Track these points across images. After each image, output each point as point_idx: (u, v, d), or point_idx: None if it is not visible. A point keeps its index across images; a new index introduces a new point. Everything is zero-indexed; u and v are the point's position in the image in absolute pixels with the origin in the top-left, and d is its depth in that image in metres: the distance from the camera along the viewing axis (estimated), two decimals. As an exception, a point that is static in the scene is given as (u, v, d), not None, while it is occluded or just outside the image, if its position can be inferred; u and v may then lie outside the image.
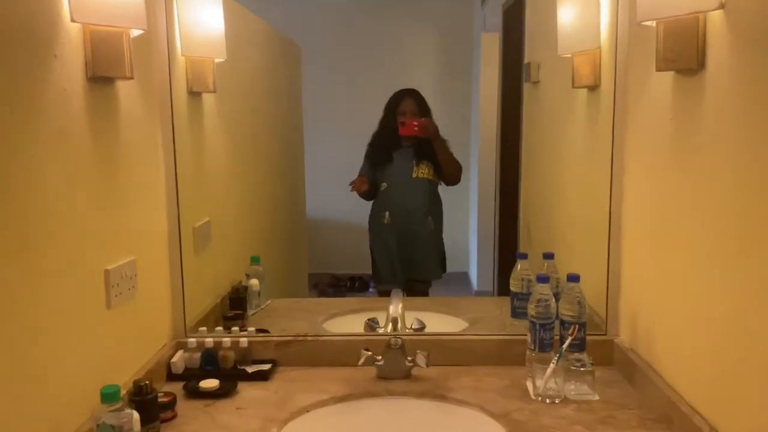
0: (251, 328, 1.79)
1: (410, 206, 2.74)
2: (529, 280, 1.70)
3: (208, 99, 1.93)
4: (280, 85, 3.18)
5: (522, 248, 2.91)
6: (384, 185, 2.74)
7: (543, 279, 1.53)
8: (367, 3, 5.34)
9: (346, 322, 2.02)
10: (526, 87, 2.79)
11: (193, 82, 1.79)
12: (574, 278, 1.60)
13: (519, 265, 1.71)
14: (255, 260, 2.13)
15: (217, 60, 1.86)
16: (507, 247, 3.57)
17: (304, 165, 3.72)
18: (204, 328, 1.75)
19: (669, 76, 1.36)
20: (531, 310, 1.51)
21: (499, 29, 4.68)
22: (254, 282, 2.08)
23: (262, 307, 2.11)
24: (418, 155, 2.76)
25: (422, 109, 2.74)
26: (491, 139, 5.00)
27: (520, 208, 3.05)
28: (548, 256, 1.70)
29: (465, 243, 5.80)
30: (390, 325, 1.72)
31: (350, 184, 2.65)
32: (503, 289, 4.39)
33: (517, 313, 1.71)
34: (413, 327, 1.72)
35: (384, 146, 2.78)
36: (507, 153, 3.50)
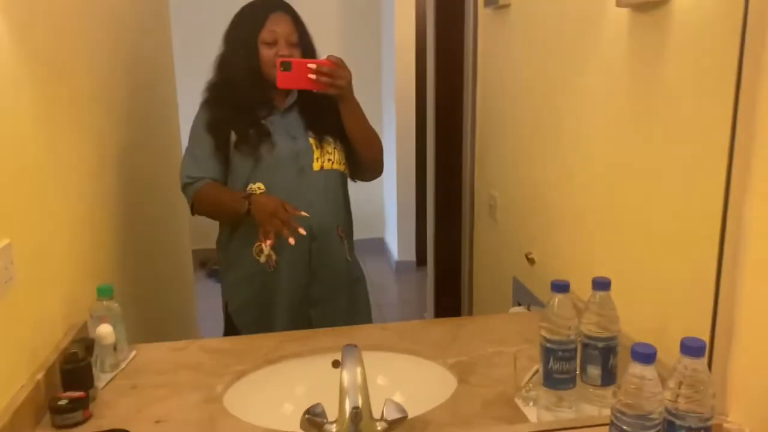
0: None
1: (320, 228, 1.67)
2: (576, 328, 1.03)
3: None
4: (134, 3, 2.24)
5: (479, 233, 2.27)
6: (259, 189, 1.64)
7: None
8: None
9: (264, 387, 1.28)
10: (486, 15, 2.07)
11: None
12: (604, 285, 1.03)
13: (557, 301, 1.03)
14: (104, 292, 1.31)
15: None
16: (440, 213, 2.98)
17: (178, 108, 2.86)
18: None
19: None
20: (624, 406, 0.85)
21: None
22: (105, 331, 1.27)
23: (122, 367, 1.31)
24: (313, 122, 1.69)
25: (304, 40, 1.67)
26: (408, 83, 4.31)
27: (467, 173, 2.39)
28: (602, 285, 1.03)
29: (380, 206, 5.17)
30: (347, 419, 0.99)
31: (263, 243, 1.53)
32: (423, 258, 3.91)
33: (555, 379, 1.04)
34: (386, 418, 1.01)
35: (244, 108, 1.65)
36: (443, 102, 2.84)
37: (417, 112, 4.15)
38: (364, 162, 1.74)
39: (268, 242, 1.49)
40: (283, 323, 1.66)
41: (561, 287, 1.03)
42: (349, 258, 1.78)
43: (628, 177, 1.23)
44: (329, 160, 1.69)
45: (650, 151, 1.15)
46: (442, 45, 2.75)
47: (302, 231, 1.49)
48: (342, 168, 1.72)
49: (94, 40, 1.67)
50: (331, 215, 1.70)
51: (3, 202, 1.07)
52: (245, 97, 1.64)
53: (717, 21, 0.98)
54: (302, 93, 1.68)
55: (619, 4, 1.18)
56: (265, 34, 1.61)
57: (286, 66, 1.54)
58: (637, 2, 1.14)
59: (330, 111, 1.65)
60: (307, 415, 0.99)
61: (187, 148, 1.68)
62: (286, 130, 1.66)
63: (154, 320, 2.17)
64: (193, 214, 1.69)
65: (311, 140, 1.67)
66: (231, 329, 1.75)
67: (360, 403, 0.98)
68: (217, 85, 1.68)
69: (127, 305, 1.78)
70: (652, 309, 1.16)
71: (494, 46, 2.04)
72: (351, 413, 0.97)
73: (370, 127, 1.72)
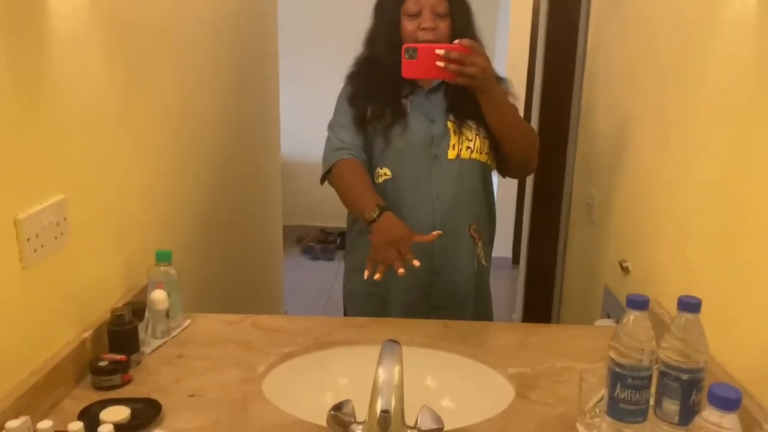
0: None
1: (449, 222, 1.52)
2: (651, 353, 0.87)
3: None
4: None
5: (574, 235, 2.07)
6: (385, 174, 1.55)
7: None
8: None
9: (308, 373, 1.21)
10: (600, -6, 1.88)
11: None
12: (692, 306, 0.86)
13: (632, 319, 0.87)
14: (162, 257, 1.30)
15: None
16: (537, 210, 2.78)
17: (279, 95, 2.87)
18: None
19: None
20: None
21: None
22: (158, 297, 1.25)
23: (174, 335, 1.29)
24: (456, 104, 1.51)
25: (457, 9, 1.49)
26: (520, 72, 4.10)
27: (569, 169, 2.20)
28: (689, 306, 0.86)
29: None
30: (374, 423, 0.89)
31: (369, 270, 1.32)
32: (519, 256, 3.70)
33: (622, 410, 0.89)
34: (419, 427, 0.90)
35: (385, 85, 1.51)
36: (549, 92, 2.64)
37: (525, 101, 3.94)
38: (510, 157, 1.54)
39: (366, 272, 1.31)
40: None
41: (638, 303, 0.87)
42: (484, 263, 1.62)
43: (752, 182, 1.03)
44: (468, 148, 1.51)
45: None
46: (554, 32, 2.56)
47: (417, 263, 1.28)
48: (484, 159, 1.54)
49: (194, 10, 1.67)
50: (462, 211, 1.53)
51: (61, 154, 1.07)
52: (387, 74, 1.49)
53: None
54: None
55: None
56: (408, 4, 1.47)
57: (411, 53, 1.37)
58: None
59: (469, 93, 1.45)
60: (332, 412, 0.91)
61: (332, 120, 1.58)
62: (425, 112, 1.52)
63: (233, 290, 2.18)
64: (322, 182, 1.57)
65: (450, 124, 1.51)
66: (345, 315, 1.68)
67: (392, 406, 0.88)
68: (362, 61, 1.58)
69: (205, 272, 1.80)
70: (756, 342, 0.97)
71: (605, 32, 1.84)
72: (380, 417, 0.87)
73: (519, 120, 1.52)
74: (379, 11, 1.54)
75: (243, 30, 2.27)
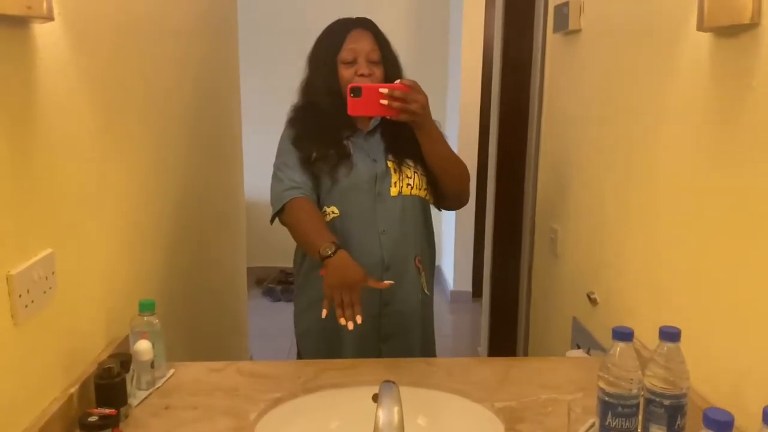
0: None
1: (394, 257, 1.59)
2: (639, 381, 0.92)
3: (45, 34, 1.06)
4: (205, 19, 2.28)
5: (538, 268, 2.15)
6: (333, 213, 1.59)
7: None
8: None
9: (298, 418, 1.22)
10: (555, 40, 1.99)
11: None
12: (672, 335, 0.92)
13: (619, 350, 0.92)
14: (146, 307, 1.29)
15: (55, -43, 0.99)
16: (498, 243, 2.86)
17: (241, 131, 2.88)
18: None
19: None
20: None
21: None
22: (142, 347, 1.24)
23: (159, 385, 1.28)
24: (395, 149, 1.61)
25: (387, 57, 1.60)
26: (473, 108, 4.23)
27: (528, 204, 2.29)
28: (670, 336, 0.92)
29: (437, 232, 5.07)
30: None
31: (326, 309, 1.35)
32: (480, 289, 3.78)
33: (612, 438, 0.93)
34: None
35: (326, 128, 1.58)
36: (507, 128, 2.75)
37: (480, 137, 4.07)
38: (445, 191, 1.63)
39: (324, 311, 1.33)
40: (351, 355, 1.58)
41: (623, 335, 0.93)
42: (427, 292, 1.68)
43: (707, 214, 1.11)
44: (408, 185, 1.60)
45: (735, 187, 1.04)
46: (509, 70, 2.68)
47: (359, 320, 1.30)
48: (423, 194, 1.63)
49: (159, 54, 1.69)
50: (407, 244, 1.61)
51: (48, 209, 1.07)
52: (328, 118, 1.58)
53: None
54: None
55: (700, 28, 1.08)
56: (344, 54, 1.56)
57: (356, 92, 1.44)
58: (721, 26, 1.04)
59: (412, 133, 1.54)
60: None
61: (278, 162, 1.61)
62: (367, 152, 1.60)
63: (201, 337, 2.16)
64: (272, 221, 1.59)
65: (390, 163, 1.59)
66: (300, 355, 1.70)
67: (395, 448, 0.90)
68: (300, 108, 1.64)
69: (174, 320, 1.78)
70: (729, 366, 1.03)
71: (562, 72, 1.95)
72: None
73: (453, 155, 1.60)
74: (315, 61, 1.62)
75: (206, 72, 2.29)
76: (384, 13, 4.51)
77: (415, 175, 1.61)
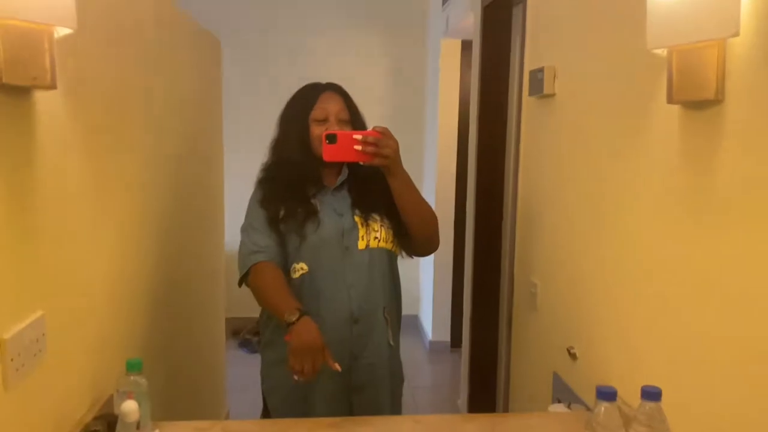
0: None
1: (362, 310, 1.62)
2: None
3: (45, 100, 1.09)
4: (191, 84, 2.33)
5: (518, 322, 2.19)
6: (302, 269, 1.62)
7: None
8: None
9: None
10: (530, 102, 2.08)
11: (6, 68, 0.95)
12: (654, 395, 0.97)
13: (603, 410, 0.96)
14: (133, 367, 1.29)
15: (61, 31, 1.03)
16: (477, 295, 2.89)
17: (223, 182, 2.91)
18: None
19: None
20: None
21: (463, 35, 4.04)
22: (129, 408, 1.23)
23: (144, 447, 1.27)
24: (361, 203, 1.67)
25: (354, 118, 1.69)
26: (450, 164, 4.34)
27: (506, 258, 2.34)
28: (652, 395, 0.96)
29: (415, 282, 5.11)
30: None
31: (295, 374, 1.40)
32: (458, 340, 3.78)
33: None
34: None
35: (294, 186, 1.64)
36: (484, 184, 2.83)
37: (457, 191, 4.15)
38: (416, 236, 1.67)
39: (295, 377, 1.40)
40: (322, 408, 1.60)
41: (607, 395, 0.96)
42: (392, 343, 1.71)
43: (681, 276, 1.17)
44: (375, 238, 1.65)
45: (705, 250, 1.10)
46: (486, 128, 2.77)
47: (315, 375, 1.40)
48: (389, 247, 1.68)
49: (149, 119, 1.73)
50: (375, 296, 1.64)
51: (40, 271, 1.08)
52: (296, 175, 1.64)
53: (775, 123, 0.95)
54: (352, 170, 1.69)
55: (669, 101, 1.16)
56: (316, 112, 1.63)
57: (332, 138, 1.52)
58: (689, 100, 1.12)
59: (378, 187, 1.63)
60: None
61: (245, 224, 1.66)
62: (334, 208, 1.65)
63: (183, 390, 2.13)
64: (240, 285, 1.63)
65: (356, 218, 1.64)
66: (266, 409, 1.70)
67: None
68: (270, 166, 1.69)
69: (156, 376, 1.77)
70: (709, 424, 1.07)
71: (538, 132, 2.03)
72: None
73: (422, 200, 1.66)
74: (286, 119, 1.70)
75: (192, 131, 2.33)
76: (363, 72, 4.64)
77: (382, 228, 1.66)
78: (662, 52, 1.16)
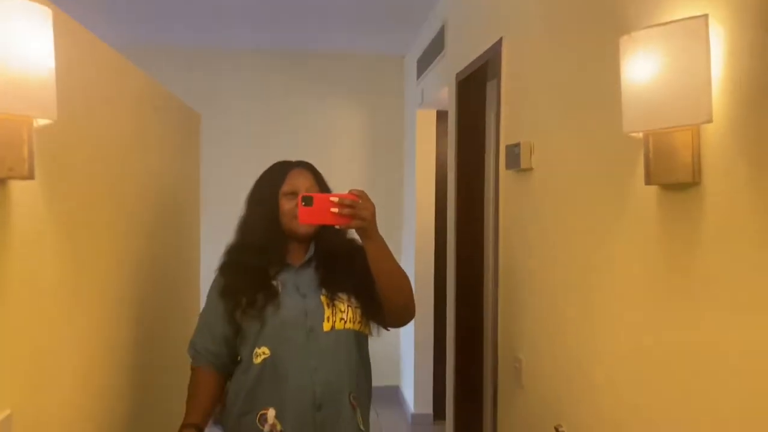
0: None
1: (327, 395, 1.56)
2: None
3: (20, 190, 1.07)
4: (169, 158, 2.33)
5: (504, 399, 2.15)
6: (263, 353, 1.57)
7: None
8: (282, 72, 4.68)
9: None
10: (508, 176, 2.11)
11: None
12: None
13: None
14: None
15: (38, 122, 1.02)
16: (460, 370, 2.83)
17: (200, 255, 2.86)
18: None
19: None
20: None
21: (438, 105, 4.13)
22: None
23: None
24: (327, 278, 1.63)
25: (324, 192, 1.67)
26: (428, 235, 4.35)
27: (488, 332, 2.32)
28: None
29: (396, 351, 5.02)
30: None
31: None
32: (441, 411, 3.68)
33: None
34: None
35: (256, 270, 1.61)
36: (463, 255, 2.82)
37: (436, 258, 4.14)
38: (391, 304, 1.61)
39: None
40: None
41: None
42: (363, 428, 1.64)
43: (665, 357, 1.16)
44: (341, 319, 1.59)
45: (688, 331, 1.09)
46: (463, 200, 2.79)
47: None
48: (357, 327, 1.63)
49: (125, 192, 1.71)
50: (341, 381, 1.58)
51: (8, 368, 1.03)
52: (260, 255, 1.61)
53: (751, 204, 0.97)
54: (320, 247, 1.65)
55: (647, 182, 1.17)
56: (285, 187, 1.63)
57: (308, 201, 1.49)
58: (666, 182, 1.14)
59: (346, 263, 1.60)
60: None
61: (201, 312, 1.68)
62: (297, 287, 1.61)
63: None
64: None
65: (323, 298, 1.60)
66: None
67: None
68: (234, 248, 1.67)
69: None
70: None
71: (517, 205, 2.05)
72: None
73: (398, 266, 1.61)
74: (255, 196, 1.68)
75: (170, 203, 2.31)
76: (342, 143, 4.70)
77: (349, 308, 1.61)
78: (638, 134, 1.19)
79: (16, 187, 1.04)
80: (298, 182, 1.64)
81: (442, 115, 4.15)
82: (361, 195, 1.51)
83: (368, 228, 1.51)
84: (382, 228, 1.56)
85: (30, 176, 0.99)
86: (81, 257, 1.36)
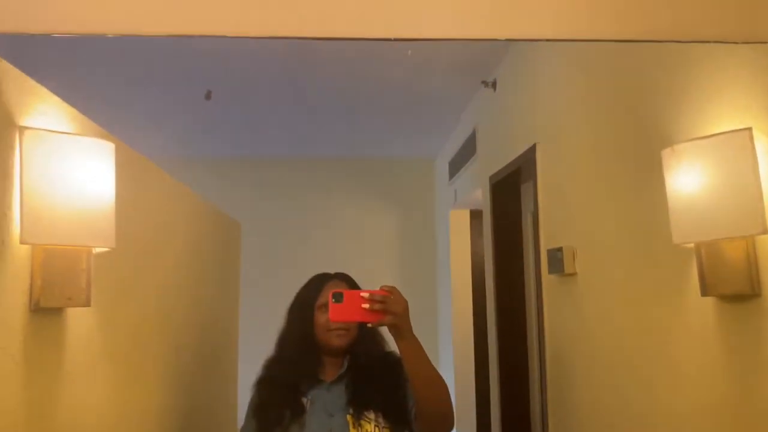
0: None
1: None
2: None
3: (76, 317, 1.08)
4: (212, 273, 2.36)
5: None
6: None
7: None
8: (317, 179, 4.81)
9: None
10: (551, 280, 2.08)
11: (43, 292, 0.95)
12: None
13: None
14: None
15: (97, 250, 1.05)
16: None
17: (237, 368, 2.83)
18: None
19: None
20: None
21: (471, 206, 4.17)
22: None
23: None
24: (355, 396, 1.57)
25: None
26: (467, 338, 4.25)
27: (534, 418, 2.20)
28: None
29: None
30: None
31: None
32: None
33: None
34: None
35: (288, 386, 1.57)
36: (506, 364, 2.73)
37: (477, 363, 4.02)
38: (428, 414, 1.50)
39: None
40: None
41: None
42: None
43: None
44: None
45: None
46: (505, 309, 2.71)
47: None
48: None
49: (173, 316, 1.72)
50: None
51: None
52: (292, 369, 1.58)
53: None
54: (353, 362, 1.61)
55: (703, 294, 1.14)
56: (321, 299, 1.60)
57: (338, 297, 1.44)
58: (725, 294, 1.11)
59: (379, 378, 1.55)
60: None
61: (240, 429, 1.63)
62: (325, 406, 1.55)
63: None
64: None
65: (349, 417, 1.54)
66: None
67: None
68: (270, 362, 1.65)
69: None
70: None
71: (561, 310, 2.00)
72: None
73: (434, 369, 1.52)
74: (293, 309, 1.67)
75: (211, 325, 2.32)
76: (373, 248, 4.74)
77: (376, 428, 1.54)
78: (690, 245, 1.17)
79: (72, 314, 1.06)
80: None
81: (475, 215, 4.17)
82: (393, 290, 1.47)
83: (400, 325, 1.44)
84: (418, 333, 1.49)
85: (87, 304, 1.01)
86: (128, 382, 1.36)
